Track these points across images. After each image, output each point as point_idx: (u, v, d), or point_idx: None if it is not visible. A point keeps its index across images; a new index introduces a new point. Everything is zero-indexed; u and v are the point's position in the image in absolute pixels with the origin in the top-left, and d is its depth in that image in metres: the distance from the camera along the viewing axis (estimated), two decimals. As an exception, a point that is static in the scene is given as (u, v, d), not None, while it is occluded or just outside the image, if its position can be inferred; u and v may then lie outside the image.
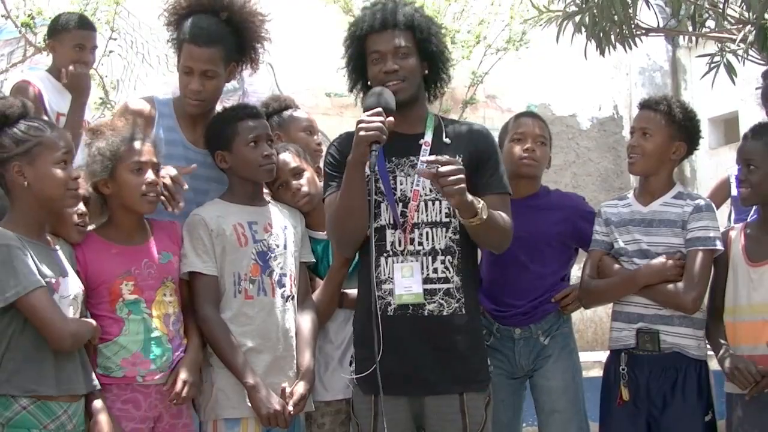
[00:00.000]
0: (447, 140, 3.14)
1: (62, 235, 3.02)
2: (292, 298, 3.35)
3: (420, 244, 3.06)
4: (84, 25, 4.64)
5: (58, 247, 2.96)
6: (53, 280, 2.83)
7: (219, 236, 3.26)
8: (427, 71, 3.18)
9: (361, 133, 2.88)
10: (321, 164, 3.48)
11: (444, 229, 3.08)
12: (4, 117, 2.87)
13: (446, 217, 3.08)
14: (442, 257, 3.07)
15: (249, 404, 3.17)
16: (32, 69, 6.85)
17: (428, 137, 3.12)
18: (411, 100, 3.11)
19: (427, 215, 3.08)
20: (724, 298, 3.44)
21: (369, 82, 3.16)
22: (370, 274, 3.00)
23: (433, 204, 3.08)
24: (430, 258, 3.06)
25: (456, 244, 3.08)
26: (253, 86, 7.90)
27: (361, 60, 3.17)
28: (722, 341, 3.40)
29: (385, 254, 3.06)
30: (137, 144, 3.11)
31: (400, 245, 3.06)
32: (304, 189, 3.50)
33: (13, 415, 2.73)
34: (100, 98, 6.74)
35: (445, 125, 3.19)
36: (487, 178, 3.12)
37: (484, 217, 2.92)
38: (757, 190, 3.37)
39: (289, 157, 3.53)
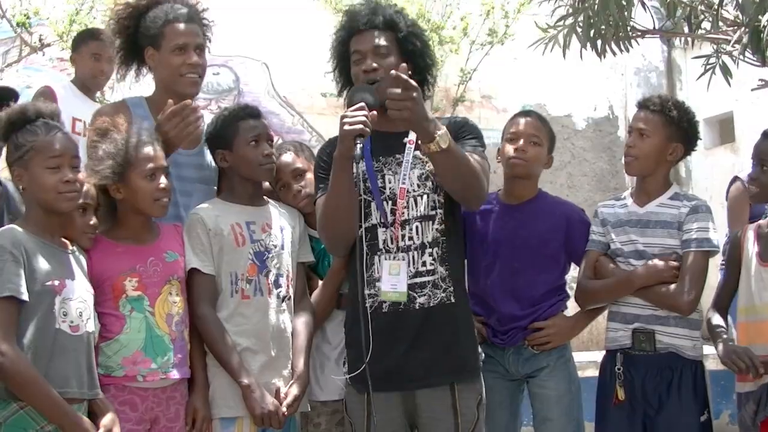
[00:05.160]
0: None
1: (73, 240, 3.02)
2: (289, 299, 3.35)
3: (411, 239, 3.09)
4: (97, 36, 4.98)
5: (71, 250, 2.97)
6: (56, 283, 2.83)
7: (217, 236, 3.26)
8: (410, 72, 3.17)
9: (346, 127, 2.90)
10: None
11: (431, 222, 3.11)
12: (10, 124, 2.91)
13: (432, 210, 3.11)
14: (430, 249, 3.10)
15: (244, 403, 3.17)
16: (27, 68, 6.87)
17: (412, 135, 3.13)
18: None
19: (416, 210, 3.11)
20: (730, 296, 3.46)
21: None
22: (361, 273, 3.01)
23: (421, 198, 3.11)
24: (418, 252, 3.09)
25: (441, 234, 3.12)
26: (249, 86, 7.90)
27: (346, 62, 3.21)
28: (722, 331, 3.40)
29: (378, 252, 3.08)
30: (149, 149, 3.12)
31: (392, 243, 3.08)
32: (306, 191, 3.50)
33: (10, 414, 2.73)
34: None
35: None
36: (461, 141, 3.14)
37: (443, 146, 2.91)
38: (767, 190, 3.38)
39: (290, 158, 3.55)
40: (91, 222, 3.09)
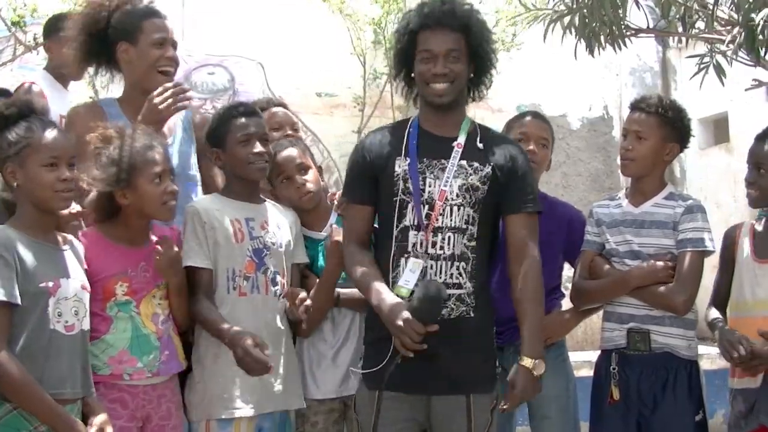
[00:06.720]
0: (480, 145, 3.15)
1: (60, 231, 2.99)
2: (284, 297, 3.35)
3: (441, 248, 3.06)
4: None
5: (66, 247, 2.93)
6: (50, 284, 2.79)
7: (213, 229, 3.25)
8: (472, 74, 3.17)
9: (402, 350, 2.90)
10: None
11: (461, 235, 3.08)
12: (3, 118, 2.86)
13: (465, 223, 3.08)
14: (458, 263, 3.08)
15: (241, 404, 3.18)
16: (22, 68, 6.84)
17: (461, 139, 3.13)
18: (453, 103, 3.13)
19: (451, 220, 3.07)
20: (727, 292, 3.47)
21: (413, 75, 3.16)
22: (388, 274, 3.06)
23: (459, 209, 3.08)
24: (447, 263, 3.07)
25: (470, 251, 3.09)
26: (244, 86, 7.88)
27: (409, 52, 3.15)
28: (719, 320, 3.42)
29: (406, 255, 3.06)
30: (153, 152, 3.10)
31: (421, 247, 3.06)
32: (309, 185, 3.50)
33: (4, 414, 2.71)
34: (90, 98, 6.72)
35: (481, 131, 3.20)
36: (514, 197, 3.14)
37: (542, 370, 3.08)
38: (766, 192, 3.38)
39: (294, 152, 3.54)
40: (74, 211, 3.05)
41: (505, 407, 3.05)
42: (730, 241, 3.50)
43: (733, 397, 3.38)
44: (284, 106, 4.12)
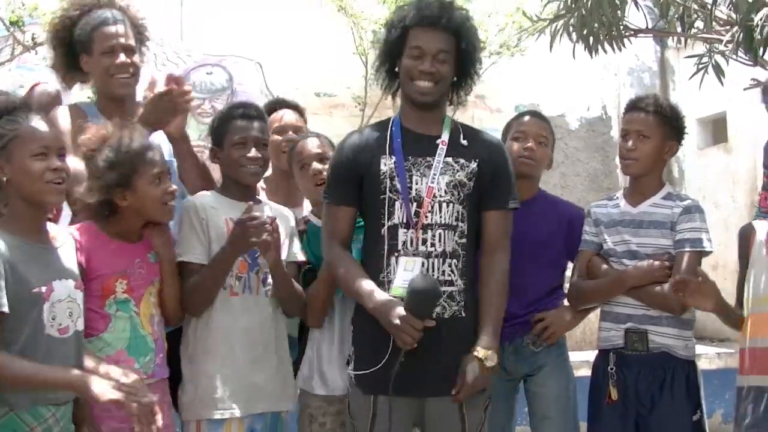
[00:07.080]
0: (464, 142, 3.17)
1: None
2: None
3: (432, 245, 3.07)
4: None
5: (58, 244, 2.87)
6: (44, 288, 2.73)
7: (210, 226, 3.25)
8: (456, 77, 3.18)
9: (399, 343, 2.91)
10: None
11: (452, 232, 3.09)
12: None
13: (455, 220, 3.09)
14: (450, 260, 3.08)
15: (233, 405, 3.18)
16: (20, 67, 6.84)
17: (445, 137, 3.14)
18: (434, 103, 3.14)
19: (441, 216, 3.08)
20: (740, 291, 3.45)
21: (397, 69, 3.16)
22: (379, 274, 3.05)
23: (447, 206, 3.09)
24: (440, 260, 3.07)
25: (461, 248, 3.10)
26: (243, 86, 7.89)
27: (398, 46, 3.14)
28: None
29: (396, 253, 3.06)
30: (153, 154, 3.09)
31: (411, 245, 3.06)
32: (325, 174, 3.47)
33: (0, 416, 2.69)
34: (88, 98, 6.71)
35: (462, 128, 3.22)
36: (495, 193, 3.16)
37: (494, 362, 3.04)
38: None
39: (316, 142, 3.58)
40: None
41: (453, 394, 3.01)
42: (745, 238, 3.48)
43: (740, 395, 3.37)
44: (298, 109, 4.13)
